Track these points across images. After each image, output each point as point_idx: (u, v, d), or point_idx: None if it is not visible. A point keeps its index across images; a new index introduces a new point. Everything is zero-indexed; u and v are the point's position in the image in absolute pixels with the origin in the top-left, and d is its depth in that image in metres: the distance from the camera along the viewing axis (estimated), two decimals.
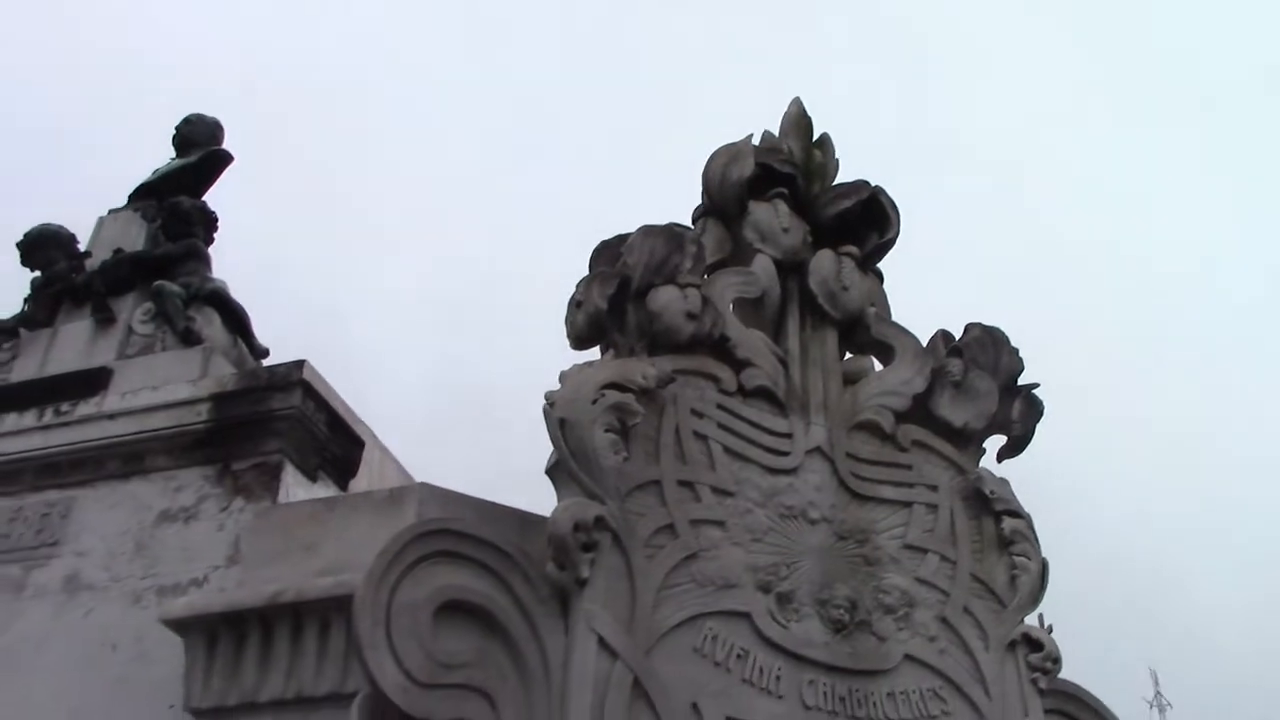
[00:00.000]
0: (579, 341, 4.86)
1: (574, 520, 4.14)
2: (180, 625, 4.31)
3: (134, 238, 6.35)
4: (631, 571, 4.18)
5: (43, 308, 6.21)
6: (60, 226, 6.51)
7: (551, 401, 4.45)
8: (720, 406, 4.69)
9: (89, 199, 6.90)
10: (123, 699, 4.58)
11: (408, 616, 3.95)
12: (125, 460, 5.23)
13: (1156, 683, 19.06)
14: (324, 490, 5.13)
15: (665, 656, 4.08)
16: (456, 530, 4.17)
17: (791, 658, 4.28)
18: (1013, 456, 5.23)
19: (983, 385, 5.14)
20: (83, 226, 6.60)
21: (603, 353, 4.81)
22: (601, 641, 4.00)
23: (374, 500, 4.51)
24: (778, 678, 4.22)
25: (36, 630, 4.92)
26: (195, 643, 4.27)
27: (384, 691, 3.82)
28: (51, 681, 4.74)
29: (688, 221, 5.37)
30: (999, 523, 4.89)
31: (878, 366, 5.25)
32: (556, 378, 4.55)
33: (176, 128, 6.99)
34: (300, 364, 5.20)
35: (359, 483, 5.35)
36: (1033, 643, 4.66)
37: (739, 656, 4.20)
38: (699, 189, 5.51)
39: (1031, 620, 4.75)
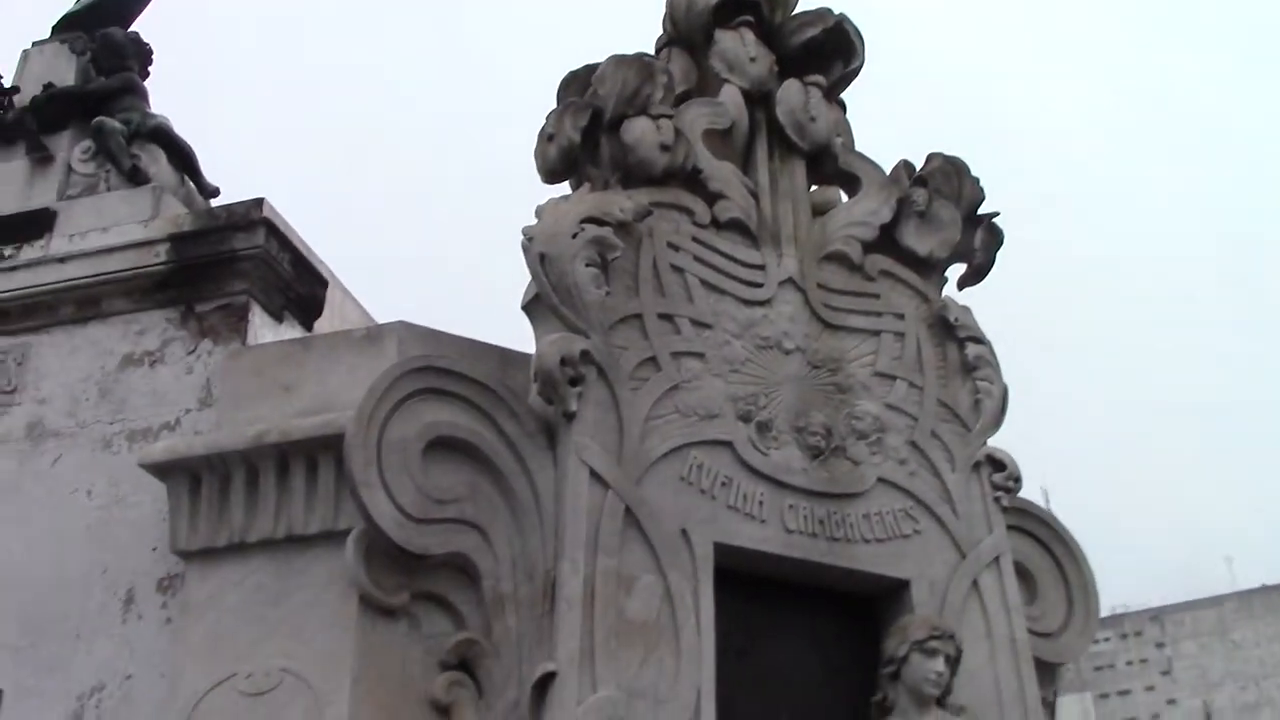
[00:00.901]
0: (550, 175, 4.80)
1: (560, 354, 4.15)
2: (160, 469, 4.28)
3: (63, 72, 6.04)
4: (618, 404, 4.22)
5: None
6: None
7: (530, 236, 4.42)
8: (695, 239, 4.69)
9: (8, 32, 6.53)
10: (103, 544, 4.55)
11: (398, 453, 3.98)
12: (80, 305, 5.08)
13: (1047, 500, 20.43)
14: (290, 331, 5.06)
15: (654, 485, 4.16)
16: (441, 367, 4.17)
17: (773, 484, 4.38)
18: (974, 284, 5.32)
19: (946, 214, 5.19)
20: (4, 61, 6.27)
21: (574, 187, 4.75)
22: (593, 473, 4.06)
23: (352, 339, 4.46)
24: (761, 503, 4.33)
25: (2, 479, 4.84)
26: (178, 486, 4.25)
27: (379, 527, 3.86)
28: (24, 530, 4.69)
29: (651, 51, 5.29)
30: (963, 349, 5.01)
31: (844, 198, 5.27)
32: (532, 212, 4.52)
33: None
34: (259, 202, 5.05)
35: (322, 324, 5.27)
36: (996, 463, 4.83)
37: (723, 484, 4.30)
38: (661, 18, 5.41)
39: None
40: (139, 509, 4.57)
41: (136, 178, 5.47)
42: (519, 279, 4.54)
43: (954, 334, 5.02)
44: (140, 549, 4.49)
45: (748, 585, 4.25)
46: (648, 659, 3.87)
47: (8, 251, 5.31)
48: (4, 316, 5.18)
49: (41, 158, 5.71)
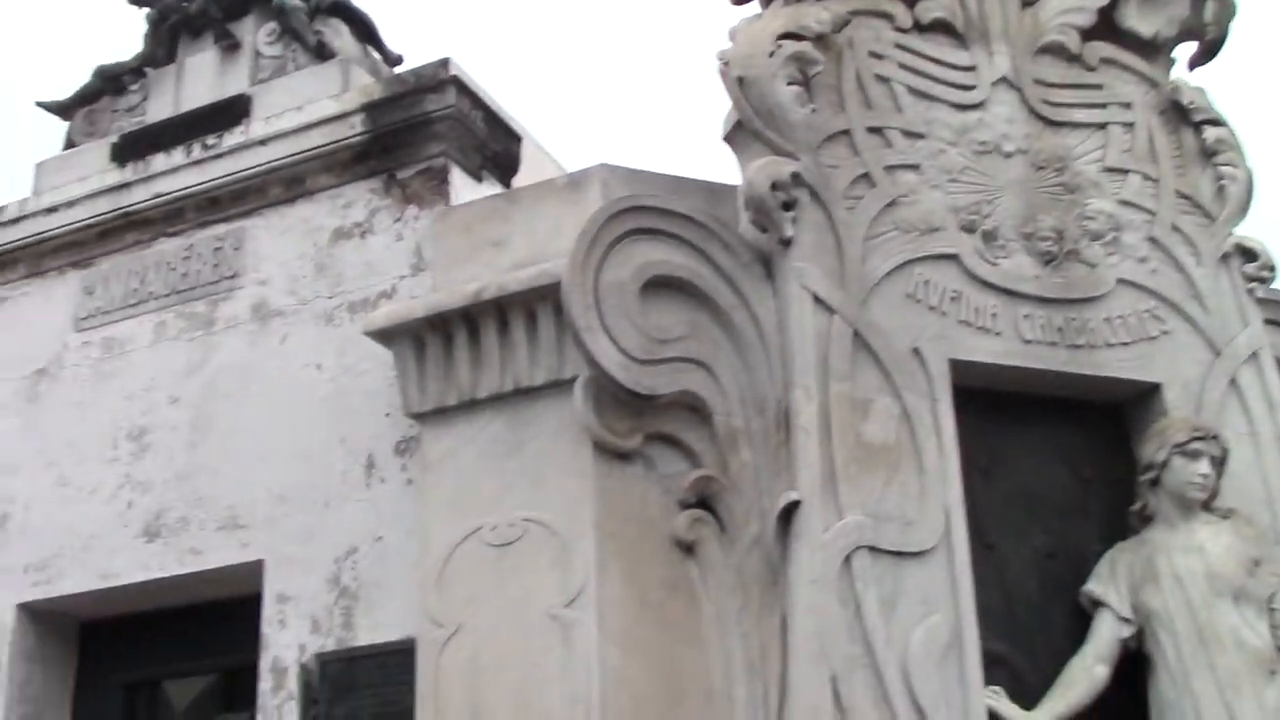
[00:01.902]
0: None
1: (770, 179, 3.99)
2: (384, 335, 4.32)
3: None
4: (834, 225, 4.05)
5: (161, 44, 6.03)
6: None
7: (726, 60, 4.23)
8: (899, 45, 4.42)
9: None
10: (338, 414, 4.67)
11: (616, 296, 3.91)
12: (286, 184, 5.15)
13: None
14: (490, 190, 5.02)
15: (880, 306, 3.99)
16: (649, 205, 4.06)
17: (1004, 294, 4.16)
18: (1206, 63, 4.89)
19: None
20: None
21: (765, 4, 4.52)
22: (816, 298, 3.91)
23: (555, 188, 4.39)
24: (994, 315, 4.12)
25: (236, 360, 5.00)
26: (403, 350, 4.29)
27: (606, 371, 3.82)
28: (263, 406, 4.85)
29: None
30: (1199, 133, 4.63)
31: None
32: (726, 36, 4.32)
33: None
34: (445, 62, 4.99)
35: (519, 180, 5.22)
36: (1246, 253, 4.48)
37: (952, 299, 4.10)
38: None
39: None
40: (368, 377, 4.66)
41: (323, 53, 5.47)
42: (712, 113, 4.38)
43: (1188, 118, 4.64)
44: (374, 415, 4.59)
45: (986, 401, 4.07)
46: (891, 482, 3.76)
47: (210, 140, 5.40)
48: (216, 204, 5.30)
49: (229, 45, 5.77)
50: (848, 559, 3.60)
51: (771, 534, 3.73)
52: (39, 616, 5.16)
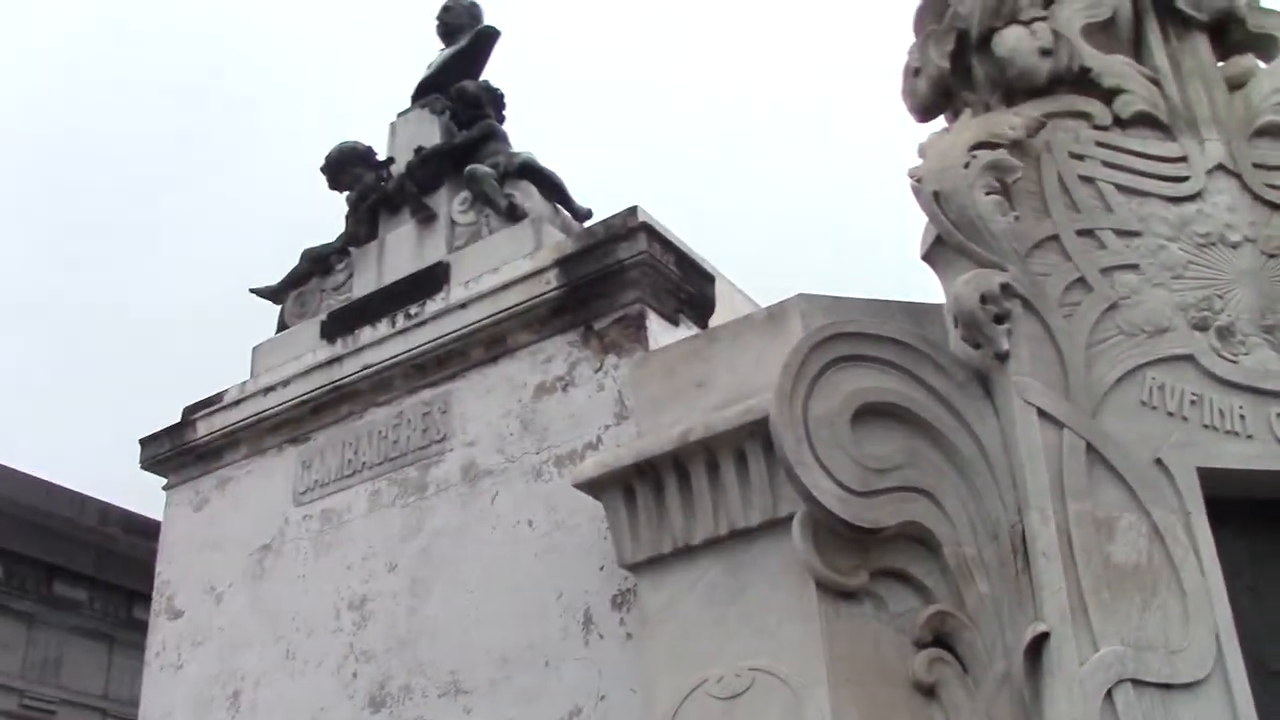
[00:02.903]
0: (923, 111, 4.48)
1: (979, 291, 3.81)
2: (594, 485, 4.26)
3: (429, 134, 6.30)
4: (1052, 334, 3.83)
5: (362, 223, 6.28)
6: (356, 142, 6.54)
7: (918, 177, 4.10)
8: (1100, 144, 4.22)
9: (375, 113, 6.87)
10: (552, 570, 4.61)
11: (826, 428, 3.75)
12: (487, 345, 5.22)
13: None
14: (687, 333, 4.97)
15: (1112, 416, 3.73)
16: (852, 332, 3.92)
17: (1251, 392, 3.84)
18: None
19: None
20: (374, 138, 6.61)
21: (950, 120, 4.41)
22: (1041, 413, 3.68)
23: (754, 323, 4.30)
24: (1241, 416, 3.80)
25: (449, 523, 5.01)
26: (613, 500, 4.21)
27: (823, 506, 3.65)
28: (479, 567, 4.83)
29: None
30: None
31: (1260, 65, 4.62)
32: (915, 153, 4.21)
33: (437, 18, 6.88)
34: (633, 210, 5.02)
35: (716, 319, 5.16)
36: None
37: (1192, 402, 3.80)
38: None
39: None
40: (579, 531, 4.60)
41: (514, 215, 5.58)
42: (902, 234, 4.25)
43: None
44: (588, 570, 4.51)
45: (1245, 511, 3.73)
46: (1148, 607, 3.44)
47: (413, 310, 5.54)
48: (422, 370, 5.40)
49: (425, 217, 5.96)
50: (1109, 695, 3.29)
51: (1020, 671, 3.45)
52: None
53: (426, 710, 4.73)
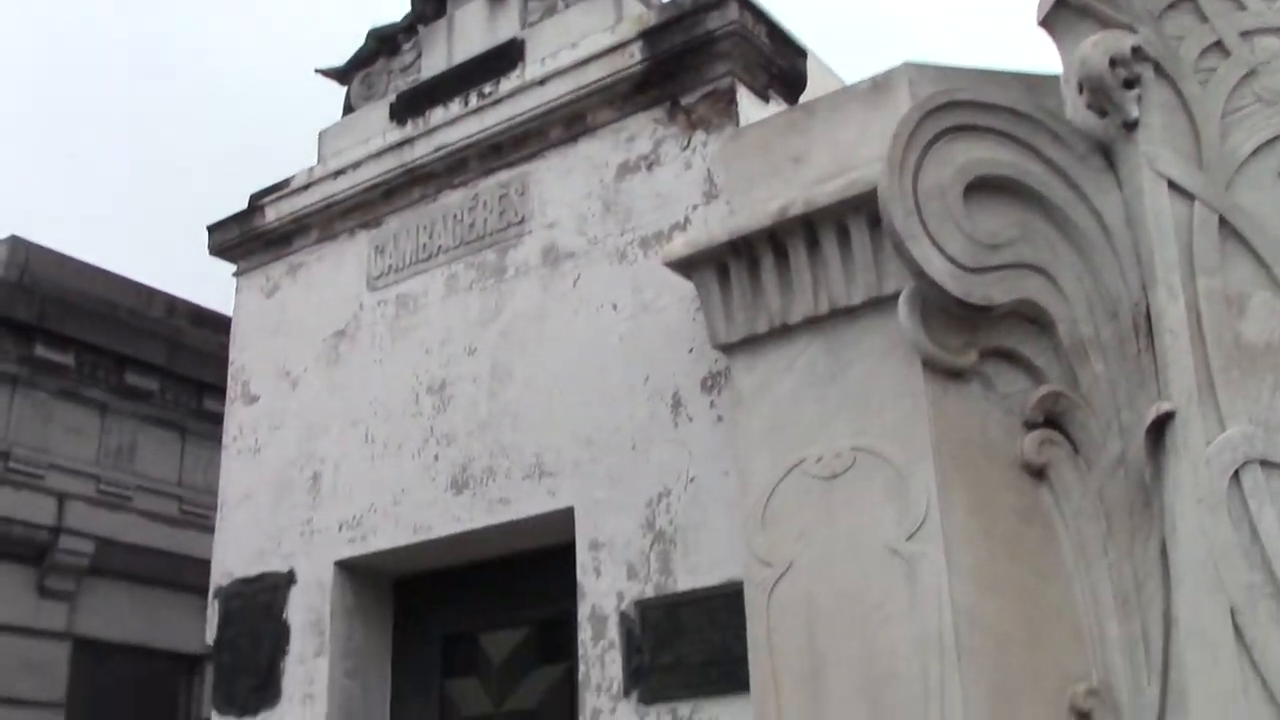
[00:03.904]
0: None
1: (1108, 54, 3.54)
2: (685, 264, 4.10)
3: None
4: (1185, 102, 3.57)
5: (430, 0, 5.99)
6: None
7: None
8: None
9: None
10: (638, 353, 4.50)
11: (937, 200, 3.55)
12: (566, 124, 5.00)
13: None
14: (778, 109, 4.72)
15: (1247, 188, 3.50)
16: (966, 100, 3.68)
17: None
18: None
19: None
20: None
21: None
22: (1172, 184, 3.46)
23: (856, 94, 4.05)
24: None
25: (530, 307, 4.89)
26: (705, 279, 4.06)
27: (934, 281, 3.48)
28: (561, 351, 4.73)
29: None
30: None
31: None
32: None
33: None
34: None
35: (807, 98, 4.90)
36: None
37: None
38: None
39: None
40: (667, 313, 4.47)
41: None
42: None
43: None
44: (676, 353, 4.39)
45: None
46: (1279, 388, 3.28)
47: (487, 88, 5.31)
48: (498, 151, 5.20)
49: None
50: (1236, 475, 3.16)
51: (1137, 452, 3.33)
52: (355, 573, 5.22)
53: (510, 492, 4.70)
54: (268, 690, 5.23)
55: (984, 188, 3.63)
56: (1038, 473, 3.49)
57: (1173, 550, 3.19)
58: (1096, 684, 3.28)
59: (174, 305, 9.92)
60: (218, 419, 6.52)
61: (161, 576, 9.58)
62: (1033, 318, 3.56)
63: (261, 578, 5.41)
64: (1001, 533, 3.42)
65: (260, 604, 5.37)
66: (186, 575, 9.44)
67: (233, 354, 6.03)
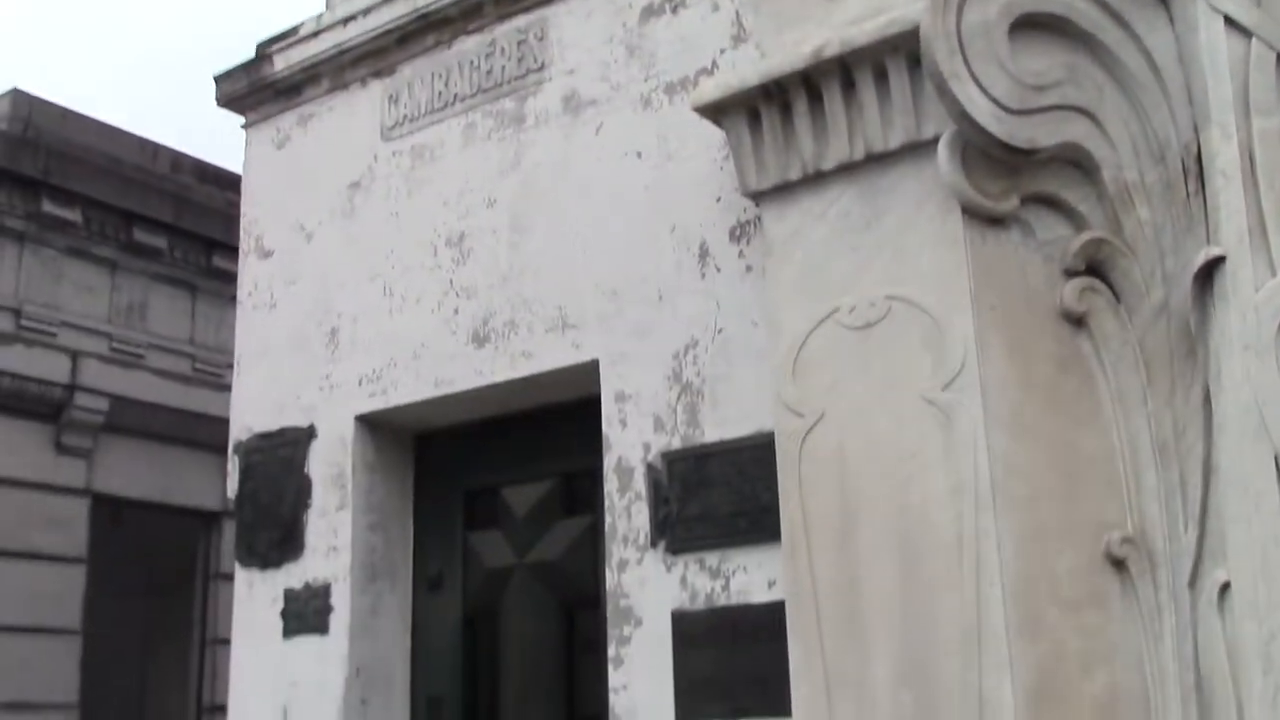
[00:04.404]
0: None
1: None
2: (715, 109, 3.97)
3: None
4: None
5: None
6: None
7: None
8: None
9: None
10: (664, 203, 4.40)
11: (981, 39, 3.41)
12: None
13: None
14: None
15: None
16: None
17: None
18: None
19: None
20: None
21: None
22: (1228, 20, 3.31)
23: None
24: None
25: (551, 156, 4.78)
26: (735, 124, 3.94)
27: (976, 123, 3.36)
28: (584, 201, 4.63)
29: None
30: None
31: None
32: None
33: None
34: None
35: None
36: None
37: None
38: None
39: None
40: (693, 162, 4.35)
41: None
42: None
43: None
44: (703, 202, 4.29)
45: None
46: None
47: None
48: None
49: None
50: None
51: (1182, 299, 3.26)
52: (376, 427, 5.21)
53: (533, 345, 4.65)
54: (291, 543, 5.26)
55: (1029, 26, 3.48)
56: (1077, 321, 3.42)
57: (1216, 398, 3.15)
58: (1132, 532, 3.26)
59: (179, 161, 9.78)
60: (228, 277, 6.47)
61: (177, 434, 9.65)
62: (1077, 162, 3.46)
63: (281, 432, 5.40)
64: (1039, 381, 3.37)
65: (281, 458, 5.37)
66: (201, 433, 9.52)
67: (244, 207, 5.92)
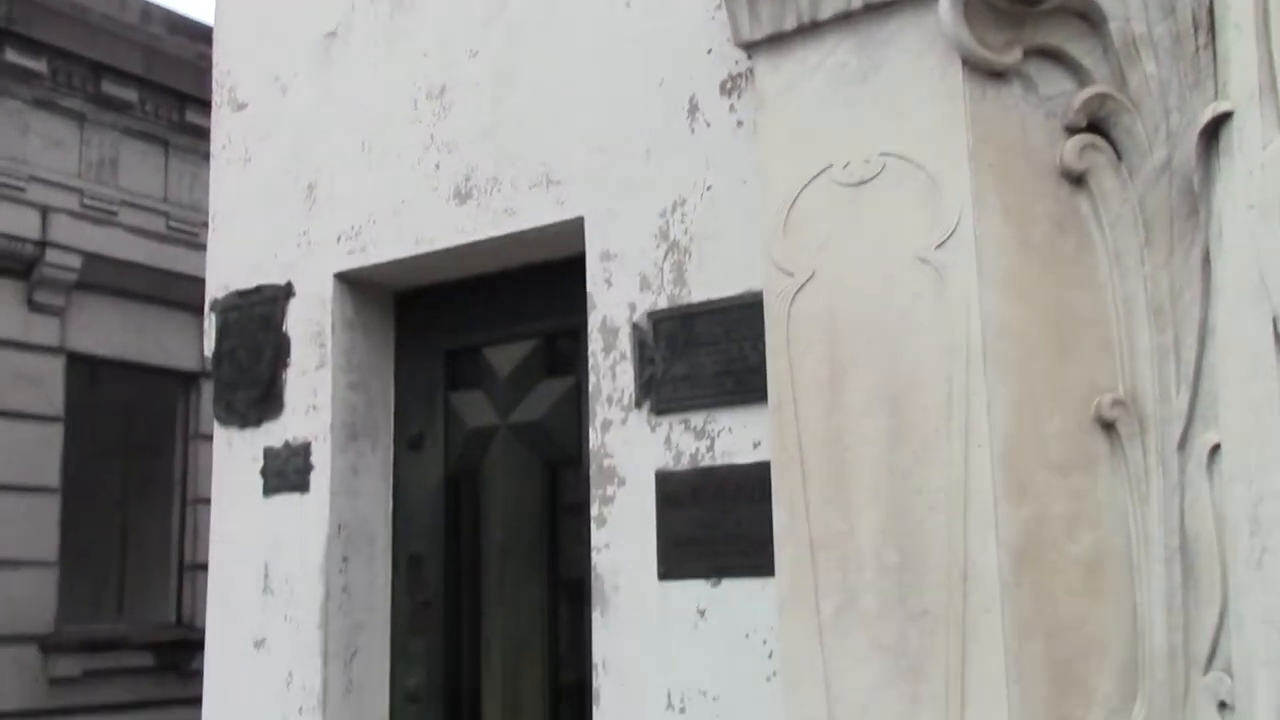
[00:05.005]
0: None
1: None
2: None
3: None
4: None
5: None
6: None
7: None
8: None
9: None
10: (652, 55, 4.25)
11: None
12: None
13: None
14: None
15: None
16: None
17: None
18: None
19: None
20: None
21: None
22: None
23: None
24: None
25: (536, 5, 4.59)
26: None
27: None
28: (569, 53, 4.47)
29: None
30: None
31: None
32: None
33: None
34: None
35: None
36: None
37: None
38: None
39: None
40: (682, 12, 4.20)
41: None
42: None
43: None
44: (693, 54, 4.15)
45: None
46: None
47: None
48: None
49: None
50: None
51: (1185, 157, 3.17)
52: (355, 286, 5.12)
53: (516, 202, 4.54)
54: (270, 402, 5.21)
55: None
56: (1077, 180, 3.33)
57: (1216, 259, 3.09)
58: (1123, 395, 3.23)
59: (149, 11, 9.46)
60: (201, 132, 6.28)
61: (152, 293, 9.52)
62: (1083, 13, 3.33)
63: (259, 290, 5.31)
64: (1036, 241, 3.29)
65: (258, 316, 5.29)
66: (175, 292, 9.40)
67: (216, 57, 5.74)
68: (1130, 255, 3.26)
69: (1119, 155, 3.32)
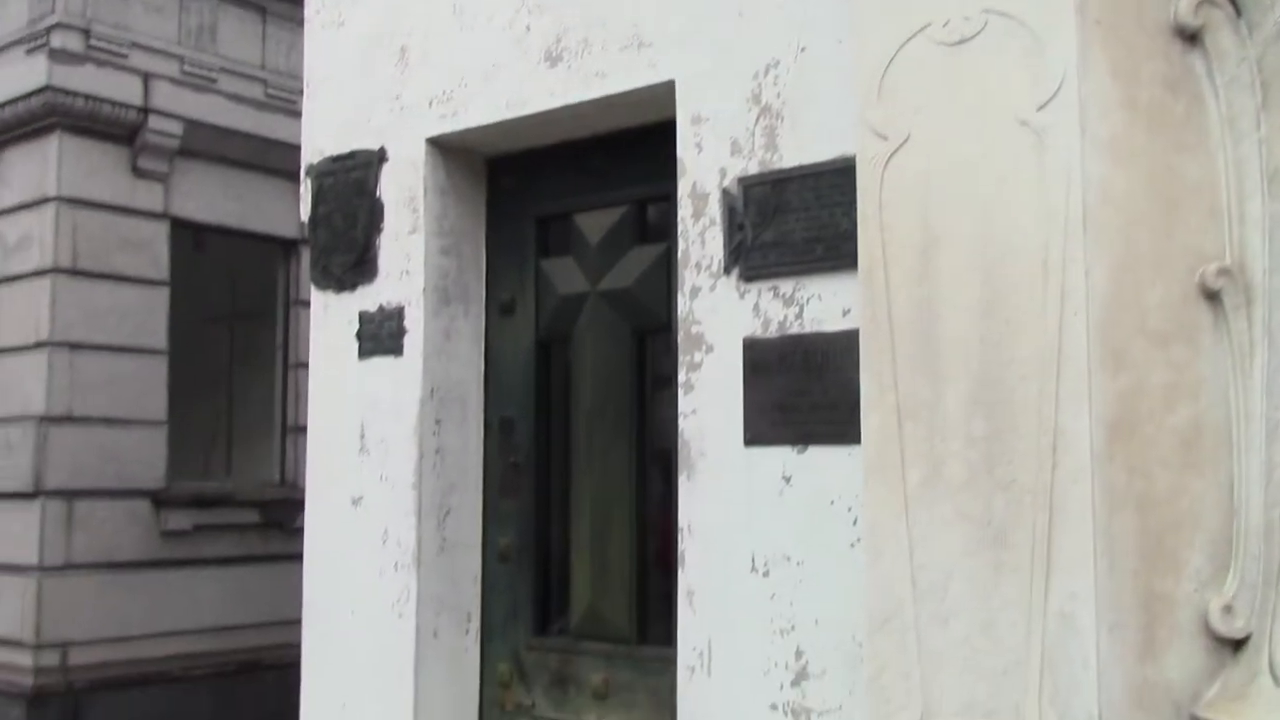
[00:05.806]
0: None
1: None
2: None
3: None
4: None
5: None
6: None
7: None
8: None
9: None
10: None
11: None
12: None
13: None
14: None
15: None
16: None
17: None
18: None
19: None
20: None
21: None
22: None
23: None
24: None
25: None
26: None
27: None
28: None
29: None
30: None
31: None
32: None
33: None
34: None
35: None
36: None
37: None
38: None
39: None
40: None
41: None
42: None
43: None
44: None
45: None
46: None
47: None
48: None
49: None
50: None
51: None
52: (447, 150, 5.12)
53: (607, 64, 4.47)
54: (364, 266, 5.26)
55: None
56: (1191, 37, 3.17)
57: None
58: (1229, 264, 3.11)
59: None
60: None
61: (252, 160, 9.63)
62: None
63: (353, 155, 5.33)
64: (1144, 103, 3.15)
65: (353, 181, 5.32)
66: (274, 159, 9.50)
67: None
68: (1245, 118, 3.12)
69: (1238, 11, 3.15)
